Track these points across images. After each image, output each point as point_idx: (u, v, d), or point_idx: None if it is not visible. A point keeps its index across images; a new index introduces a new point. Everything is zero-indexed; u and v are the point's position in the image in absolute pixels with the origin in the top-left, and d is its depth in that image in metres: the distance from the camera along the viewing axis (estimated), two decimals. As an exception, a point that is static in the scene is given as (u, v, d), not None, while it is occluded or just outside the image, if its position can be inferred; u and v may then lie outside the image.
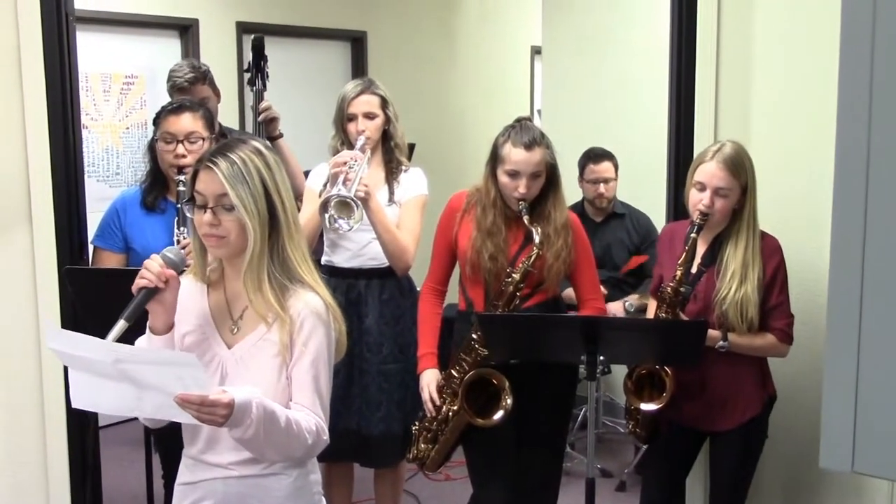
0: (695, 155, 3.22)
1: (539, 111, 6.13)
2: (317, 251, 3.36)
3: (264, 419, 1.84)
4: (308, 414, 1.97)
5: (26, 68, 2.92)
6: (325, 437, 2.01)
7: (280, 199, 1.96)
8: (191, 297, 2.07)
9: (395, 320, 3.33)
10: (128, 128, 5.36)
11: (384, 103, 3.30)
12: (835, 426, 0.65)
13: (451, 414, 2.91)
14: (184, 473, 2.11)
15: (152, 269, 1.93)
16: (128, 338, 1.89)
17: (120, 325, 1.88)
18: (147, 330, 2.00)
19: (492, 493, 3.01)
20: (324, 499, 2.17)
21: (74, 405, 1.93)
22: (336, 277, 3.29)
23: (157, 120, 3.07)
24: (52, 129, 3.02)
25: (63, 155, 3.08)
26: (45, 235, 3.05)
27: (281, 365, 1.97)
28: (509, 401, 2.83)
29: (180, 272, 1.99)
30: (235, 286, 2.02)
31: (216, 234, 1.94)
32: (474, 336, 2.86)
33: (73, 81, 3.12)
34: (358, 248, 3.29)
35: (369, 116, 3.26)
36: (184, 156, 2.95)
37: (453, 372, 2.91)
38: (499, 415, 2.84)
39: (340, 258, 3.32)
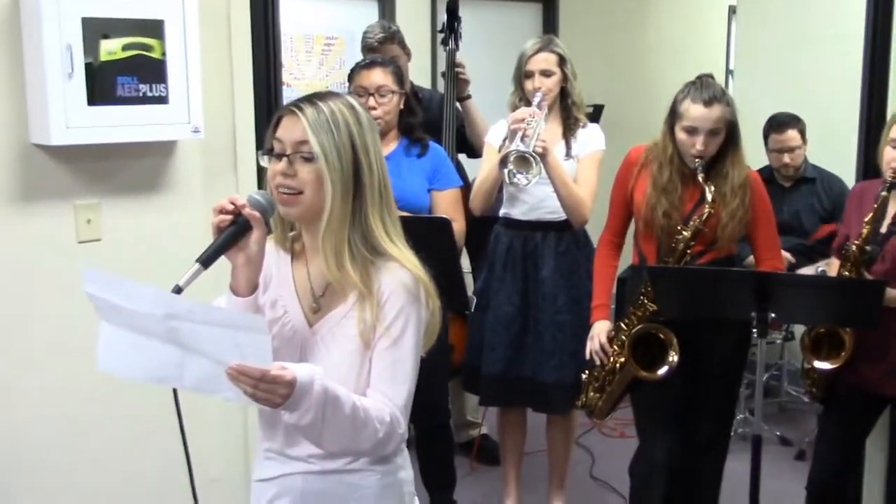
0: (888, 113, 3.10)
1: (731, 71, 5.98)
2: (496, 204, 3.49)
3: (325, 403, 1.60)
4: (384, 402, 1.72)
5: (235, 30, 3.15)
6: (402, 430, 1.75)
7: (368, 162, 1.74)
8: (272, 263, 1.85)
9: (570, 272, 3.40)
10: (328, 87, 5.65)
11: (562, 61, 3.36)
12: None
13: (618, 365, 2.97)
14: (260, 468, 1.91)
15: (236, 202, 1.68)
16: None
17: (194, 270, 1.63)
18: (228, 291, 1.74)
19: (656, 450, 3.05)
20: (417, 499, 1.95)
21: (100, 366, 1.70)
22: (513, 229, 3.42)
23: (352, 75, 3.29)
24: (256, 86, 3.26)
25: (266, 110, 3.32)
26: (249, 188, 3.28)
27: (364, 347, 1.75)
28: (675, 357, 2.84)
29: (267, 221, 1.74)
30: (317, 260, 1.79)
31: (289, 186, 1.72)
32: (644, 291, 2.90)
33: (276, 42, 3.34)
34: (536, 202, 3.38)
35: (546, 74, 3.33)
36: (374, 108, 3.13)
37: (622, 325, 2.97)
38: (663, 370, 2.86)
39: (518, 211, 3.43)
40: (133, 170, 2.90)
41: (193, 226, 3.02)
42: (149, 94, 2.76)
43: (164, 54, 2.76)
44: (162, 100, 2.78)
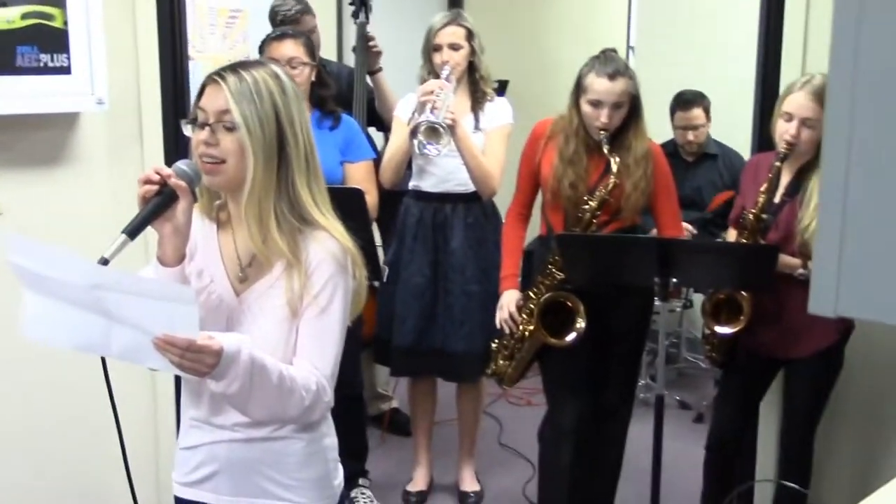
0: (781, 89, 3.23)
1: (632, 48, 6.12)
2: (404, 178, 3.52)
3: (252, 372, 1.61)
4: (310, 371, 1.74)
5: (139, 2, 3.10)
6: (328, 398, 1.78)
7: (293, 131, 1.73)
8: (199, 233, 1.83)
9: (479, 243, 3.47)
10: (230, 60, 5.54)
11: (470, 35, 3.41)
12: (823, 272, 0.74)
13: (527, 333, 3.05)
14: (185, 437, 1.90)
15: (161, 172, 1.68)
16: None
17: (120, 241, 1.62)
18: (155, 261, 1.73)
19: (564, 415, 3.13)
20: (341, 466, 1.99)
21: (24, 333, 1.68)
22: (423, 201, 3.47)
23: (262, 48, 3.26)
24: (161, 57, 3.21)
25: (171, 82, 3.27)
26: (155, 160, 3.24)
27: (291, 316, 1.75)
28: (582, 323, 2.93)
29: (193, 190, 1.73)
30: (243, 230, 1.78)
31: (212, 155, 1.71)
32: (552, 260, 2.97)
33: (181, 12, 3.29)
34: (445, 174, 3.43)
35: (454, 47, 3.38)
36: (286, 81, 3.11)
37: (531, 294, 3.04)
38: (571, 336, 2.95)
39: (428, 183, 3.47)
40: (34, 142, 2.83)
41: (98, 199, 2.97)
42: (50, 64, 2.69)
43: (65, 24, 2.70)
44: (64, 70, 2.71)
